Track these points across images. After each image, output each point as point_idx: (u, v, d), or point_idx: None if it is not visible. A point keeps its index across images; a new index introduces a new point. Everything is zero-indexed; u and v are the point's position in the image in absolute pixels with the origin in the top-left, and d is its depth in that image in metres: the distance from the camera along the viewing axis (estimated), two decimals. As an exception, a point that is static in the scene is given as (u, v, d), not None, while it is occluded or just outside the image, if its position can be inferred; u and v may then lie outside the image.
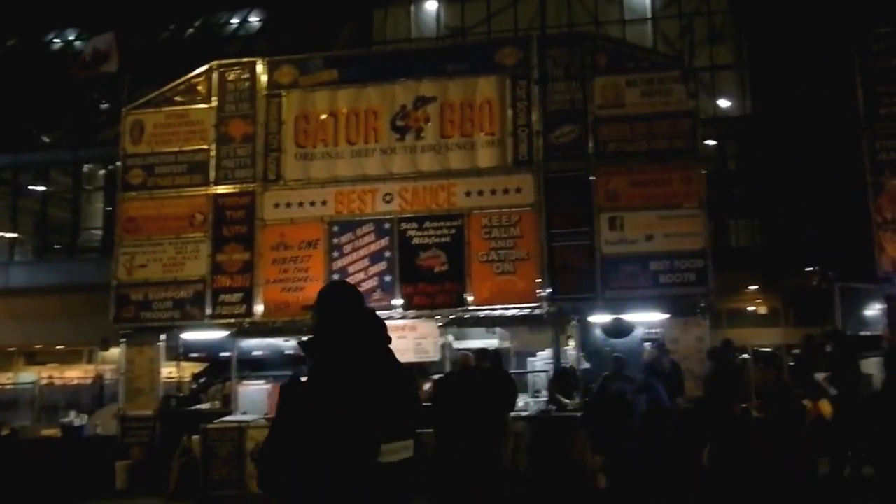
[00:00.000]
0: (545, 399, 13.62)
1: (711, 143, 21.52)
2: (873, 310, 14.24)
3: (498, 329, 15.36)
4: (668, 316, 13.78)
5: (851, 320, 14.28)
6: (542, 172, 14.61)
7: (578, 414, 12.45)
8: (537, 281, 14.29)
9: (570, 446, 12.19)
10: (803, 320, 18.74)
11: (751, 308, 25.22)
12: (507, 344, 15.65)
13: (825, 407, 14.03)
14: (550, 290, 14.19)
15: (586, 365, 13.91)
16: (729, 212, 21.97)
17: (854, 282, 13.60)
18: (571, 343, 14.35)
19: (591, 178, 14.32)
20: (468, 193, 14.83)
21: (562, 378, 13.42)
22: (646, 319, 14.14)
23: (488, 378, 10.74)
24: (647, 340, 13.44)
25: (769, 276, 21.46)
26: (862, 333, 13.36)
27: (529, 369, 15.28)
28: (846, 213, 13.65)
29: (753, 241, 23.28)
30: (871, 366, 12.76)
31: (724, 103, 23.03)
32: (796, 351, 16.97)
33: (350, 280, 14.73)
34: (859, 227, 12.77)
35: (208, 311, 15.05)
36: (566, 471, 12.02)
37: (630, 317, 13.86)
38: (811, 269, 17.19)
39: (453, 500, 9.64)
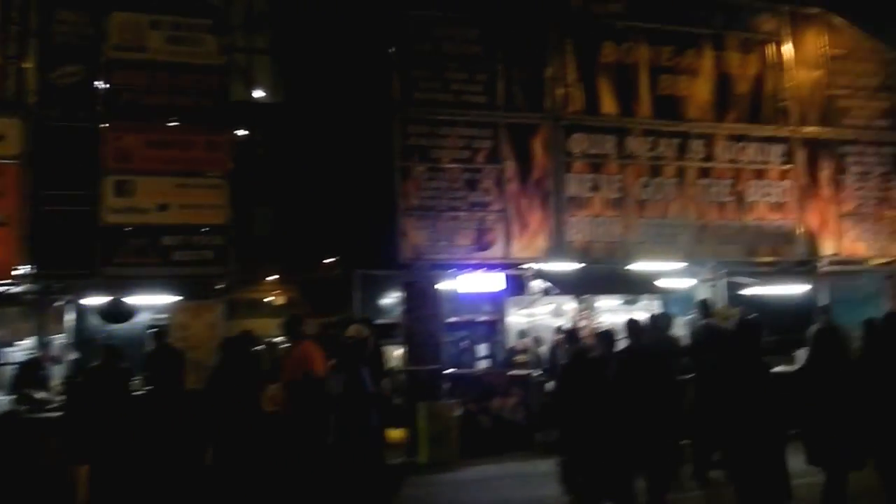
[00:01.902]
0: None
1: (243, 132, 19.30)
2: (392, 297, 13.40)
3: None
4: (180, 298, 11.24)
5: (370, 308, 13.27)
6: (34, 118, 11.05)
7: (55, 414, 9.33)
8: (19, 252, 10.68)
9: (43, 452, 9.03)
10: (321, 310, 17.53)
11: (269, 298, 23.62)
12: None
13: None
14: (35, 265, 10.70)
15: (75, 355, 10.73)
16: (254, 200, 19.97)
17: (378, 269, 12.53)
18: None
19: (98, 131, 11.13)
20: (-72, 135, 10.66)
21: (28, 371, 10.11)
22: (154, 302, 11.42)
23: None
24: (153, 327, 10.73)
25: (289, 266, 20.00)
26: (380, 322, 12.37)
27: (3, 361, 11.54)
28: (373, 201, 12.58)
29: (276, 230, 21.66)
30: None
31: (258, 92, 21.00)
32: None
33: None
34: (386, 214, 11.73)
35: None
36: (38, 480, 8.84)
37: (134, 299, 11.02)
38: (332, 258, 16.11)
39: None
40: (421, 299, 11.62)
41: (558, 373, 8.48)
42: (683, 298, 14.33)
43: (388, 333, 12.03)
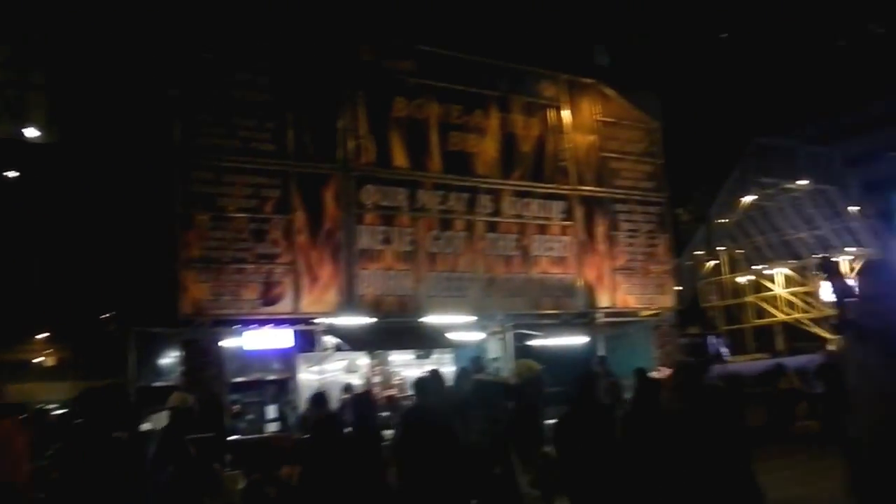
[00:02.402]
0: None
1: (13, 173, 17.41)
2: (171, 357, 12.17)
3: None
4: None
5: (147, 369, 11.95)
6: None
7: None
8: None
9: None
10: (97, 371, 15.82)
11: (38, 359, 21.19)
12: None
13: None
14: None
15: None
16: (21, 248, 17.93)
17: (156, 326, 11.28)
18: None
19: None
20: None
21: None
22: None
23: None
24: None
25: (61, 322, 18.01)
26: (157, 384, 11.15)
27: None
28: (152, 252, 11.41)
29: (46, 283, 19.50)
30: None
31: (30, 130, 18.83)
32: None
33: None
34: (166, 266, 10.68)
35: None
36: None
37: None
38: (108, 314, 14.53)
39: None
40: (202, 359, 10.63)
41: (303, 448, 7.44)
42: (475, 351, 14.37)
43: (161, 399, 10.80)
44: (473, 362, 10.38)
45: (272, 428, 12.32)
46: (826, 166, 30.74)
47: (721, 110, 34.74)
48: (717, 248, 30.61)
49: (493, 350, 14.57)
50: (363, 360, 14.00)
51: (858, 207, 30.14)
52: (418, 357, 14.24)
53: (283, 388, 12.76)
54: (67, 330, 19.27)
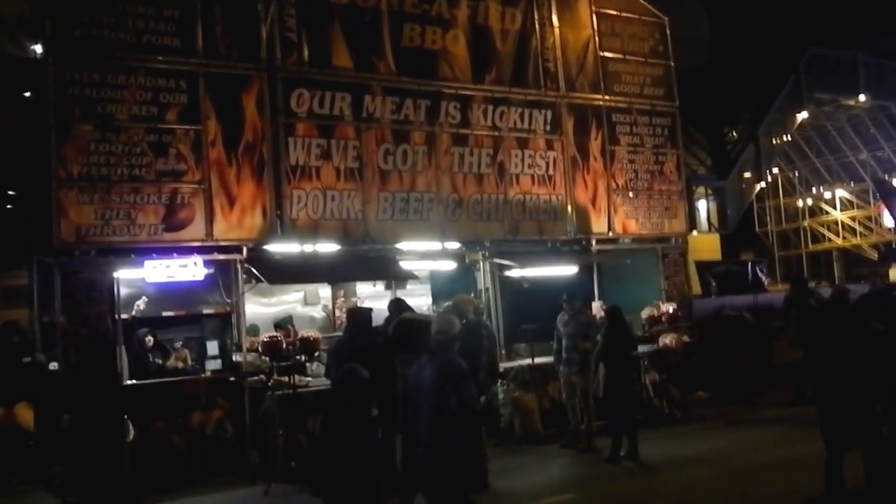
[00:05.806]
0: None
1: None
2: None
3: None
4: None
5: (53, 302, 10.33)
6: None
7: None
8: None
9: None
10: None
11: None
12: None
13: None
14: None
15: None
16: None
17: (45, 255, 9.64)
18: None
19: None
20: None
21: None
22: None
23: None
24: None
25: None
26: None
27: None
28: (27, 170, 9.66)
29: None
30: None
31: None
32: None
33: None
34: (43, 185, 8.96)
35: None
36: None
37: None
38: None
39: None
40: (86, 294, 8.94)
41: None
42: (451, 281, 12.54)
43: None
44: (394, 303, 8.71)
45: (213, 366, 10.78)
46: (888, 81, 28.17)
47: (773, 18, 31.62)
48: (771, 170, 28.63)
49: (480, 282, 12.72)
50: (325, 290, 12.41)
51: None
52: (387, 288, 12.53)
53: (226, 322, 11.16)
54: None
